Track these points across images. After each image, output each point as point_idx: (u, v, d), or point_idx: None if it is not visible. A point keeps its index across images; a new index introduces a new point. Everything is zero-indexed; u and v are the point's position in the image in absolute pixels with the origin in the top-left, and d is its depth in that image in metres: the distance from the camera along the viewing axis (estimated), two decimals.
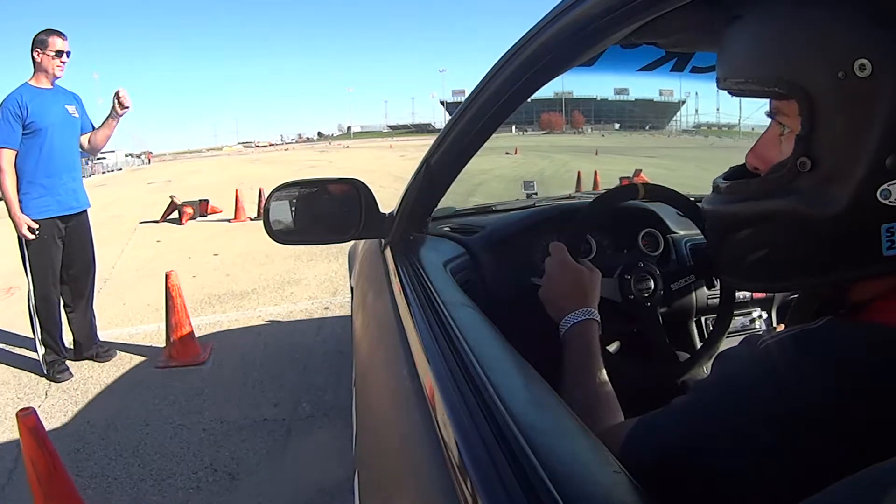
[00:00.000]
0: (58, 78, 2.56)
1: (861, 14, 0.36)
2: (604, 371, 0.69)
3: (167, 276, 2.76)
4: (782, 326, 0.62)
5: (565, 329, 0.74)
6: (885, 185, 0.35)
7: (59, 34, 2.51)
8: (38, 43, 2.47)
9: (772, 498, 0.36)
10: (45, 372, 2.61)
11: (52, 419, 2.25)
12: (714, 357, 0.46)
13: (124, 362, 2.81)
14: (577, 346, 0.71)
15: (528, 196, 1.59)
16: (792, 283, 0.46)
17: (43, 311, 2.57)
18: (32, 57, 2.49)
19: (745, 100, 0.47)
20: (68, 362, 2.69)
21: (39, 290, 2.55)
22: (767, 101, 0.45)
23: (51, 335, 2.60)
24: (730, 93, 0.46)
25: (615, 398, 0.65)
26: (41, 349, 2.60)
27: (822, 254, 0.41)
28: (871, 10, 0.35)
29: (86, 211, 2.72)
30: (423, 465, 0.50)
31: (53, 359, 2.61)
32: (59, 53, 2.49)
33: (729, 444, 0.39)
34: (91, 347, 2.81)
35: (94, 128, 2.73)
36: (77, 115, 2.64)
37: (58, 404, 2.39)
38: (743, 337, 0.45)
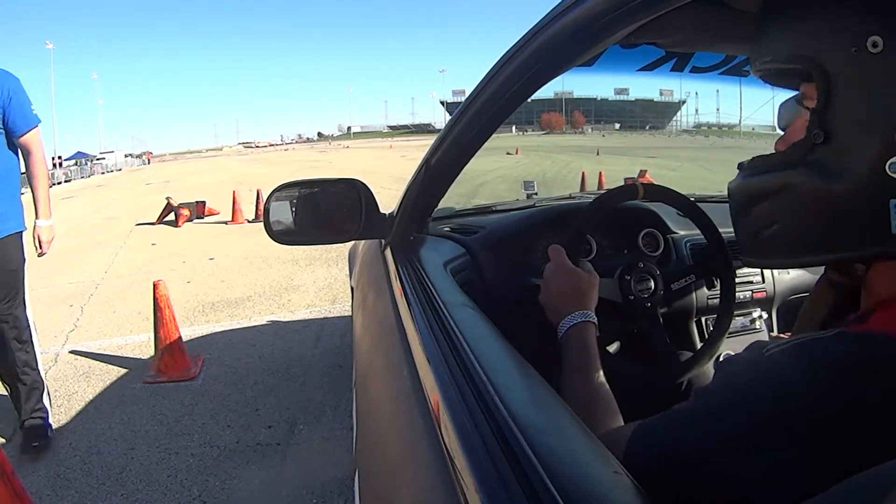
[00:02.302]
0: None
1: None
2: (601, 373, 0.69)
3: (155, 286, 2.63)
4: (787, 334, 0.62)
5: (563, 332, 0.74)
6: (893, 159, 0.36)
7: None
8: None
9: None
10: None
11: None
12: (716, 362, 0.45)
13: (111, 376, 2.69)
14: (575, 349, 0.72)
15: (528, 196, 1.59)
16: (798, 260, 0.45)
17: None
18: None
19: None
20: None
21: None
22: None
23: None
24: (763, 80, 0.48)
25: (613, 400, 0.65)
26: None
27: (828, 229, 0.41)
28: None
29: (5, 239, 1.91)
30: (423, 465, 0.50)
31: None
32: None
33: (733, 451, 0.38)
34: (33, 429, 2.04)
35: (37, 123, 1.95)
36: None
37: None
38: (749, 343, 0.45)
